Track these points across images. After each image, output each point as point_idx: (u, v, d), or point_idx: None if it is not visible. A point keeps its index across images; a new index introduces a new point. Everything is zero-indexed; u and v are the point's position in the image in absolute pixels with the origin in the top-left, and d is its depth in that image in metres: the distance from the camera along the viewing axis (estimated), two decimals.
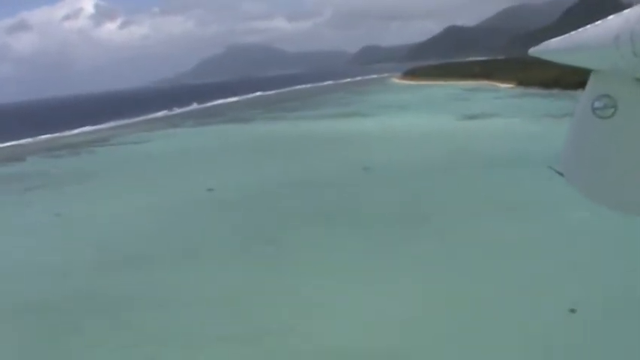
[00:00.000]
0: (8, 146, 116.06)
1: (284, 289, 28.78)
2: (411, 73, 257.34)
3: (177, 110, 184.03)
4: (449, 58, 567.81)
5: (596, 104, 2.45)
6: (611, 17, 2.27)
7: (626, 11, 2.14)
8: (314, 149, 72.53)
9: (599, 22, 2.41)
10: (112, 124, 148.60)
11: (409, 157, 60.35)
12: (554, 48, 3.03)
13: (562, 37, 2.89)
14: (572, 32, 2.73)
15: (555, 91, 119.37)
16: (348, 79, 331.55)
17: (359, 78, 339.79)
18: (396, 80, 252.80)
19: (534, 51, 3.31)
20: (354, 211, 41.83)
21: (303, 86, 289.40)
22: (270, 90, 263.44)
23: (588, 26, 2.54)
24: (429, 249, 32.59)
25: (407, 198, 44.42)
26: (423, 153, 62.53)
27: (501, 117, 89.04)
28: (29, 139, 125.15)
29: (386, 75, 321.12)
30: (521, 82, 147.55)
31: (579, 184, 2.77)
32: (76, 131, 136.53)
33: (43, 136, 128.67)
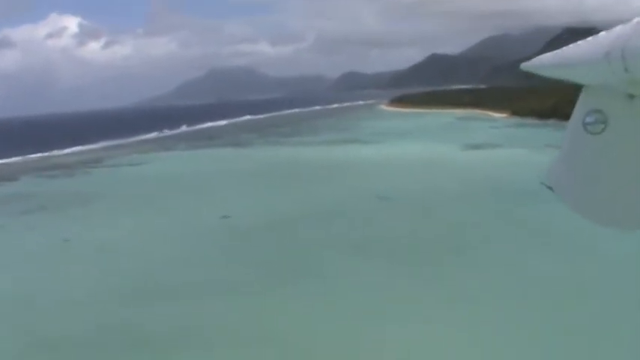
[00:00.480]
0: None
1: (328, 326, 27.15)
2: (399, 100, 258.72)
3: (167, 132, 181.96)
4: (433, 85, 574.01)
5: (587, 119, 2.45)
6: (602, 33, 2.27)
7: (617, 27, 2.14)
8: (321, 176, 70.99)
9: (590, 37, 2.42)
10: (102, 144, 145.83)
11: (423, 186, 59.17)
12: (546, 63, 3.04)
13: (554, 52, 2.88)
14: (564, 47, 2.72)
15: (551, 122, 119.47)
16: (336, 105, 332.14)
17: (347, 104, 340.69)
18: (384, 107, 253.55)
19: (526, 65, 3.28)
20: (384, 241, 40.34)
21: (292, 111, 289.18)
22: (258, 114, 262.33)
23: (580, 42, 2.54)
24: (476, 282, 31.16)
25: (435, 228, 43.07)
26: (437, 182, 61.41)
27: (505, 147, 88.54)
28: (18, 158, 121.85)
29: (372, 102, 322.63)
30: (516, 112, 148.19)
31: (569, 199, 2.76)
32: (67, 151, 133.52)
33: (34, 155, 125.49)
